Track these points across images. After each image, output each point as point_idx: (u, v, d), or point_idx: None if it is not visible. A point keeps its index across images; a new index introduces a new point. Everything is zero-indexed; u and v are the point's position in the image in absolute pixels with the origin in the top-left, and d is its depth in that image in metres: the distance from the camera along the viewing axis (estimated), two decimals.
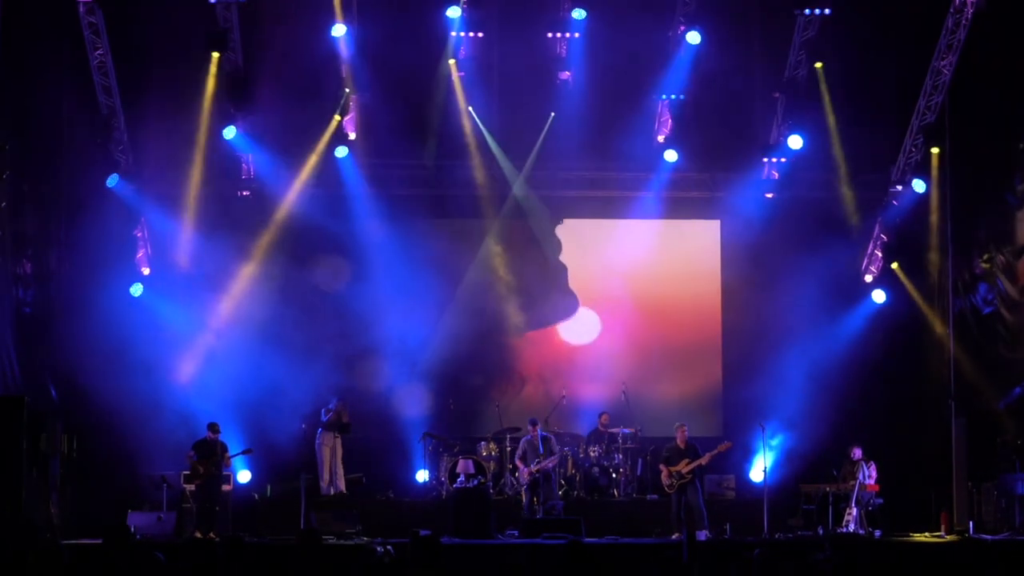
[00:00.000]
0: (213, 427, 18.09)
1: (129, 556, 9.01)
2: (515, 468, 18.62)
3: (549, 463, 18.15)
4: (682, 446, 18.09)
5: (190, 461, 17.91)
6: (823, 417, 19.72)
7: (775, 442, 19.11)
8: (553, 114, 20.29)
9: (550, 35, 20.08)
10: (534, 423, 18.50)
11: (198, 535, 17.28)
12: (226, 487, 18.32)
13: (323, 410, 19.19)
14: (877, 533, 17.51)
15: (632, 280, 21.12)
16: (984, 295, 19.64)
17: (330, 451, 19.06)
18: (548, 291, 21.14)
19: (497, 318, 20.97)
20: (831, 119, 19.99)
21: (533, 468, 18.04)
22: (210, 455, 17.86)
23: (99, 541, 10.44)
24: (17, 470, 16.13)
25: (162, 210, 19.97)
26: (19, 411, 16.35)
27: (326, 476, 18.99)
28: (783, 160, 20.47)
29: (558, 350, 21.10)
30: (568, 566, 8.39)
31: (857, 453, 18.33)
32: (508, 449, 19.30)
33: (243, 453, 18.33)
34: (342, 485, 19.09)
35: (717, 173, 21.01)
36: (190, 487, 18.10)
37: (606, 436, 19.38)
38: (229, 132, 19.68)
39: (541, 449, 18.18)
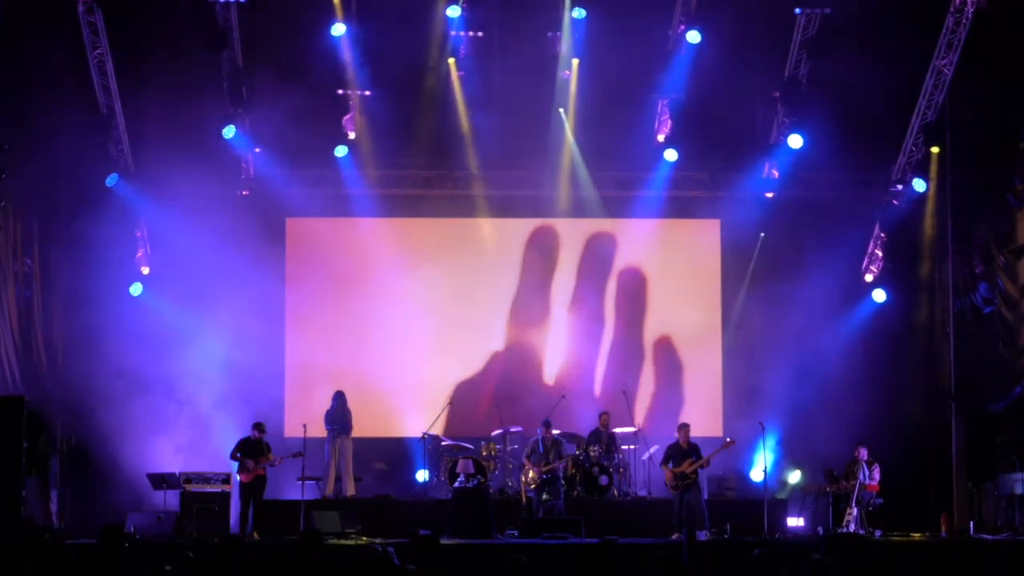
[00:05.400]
0: (259, 426, 18.18)
1: (125, 556, 9.00)
2: (523, 466, 18.63)
3: (559, 465, 18.19)
4: (685, 446, 18.10)
5: (236, 459, 17.97)
6: (823, 417, 19.72)
7: (774, 442, 19.08)
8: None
9: (550, 34, 20.09)
10: (547, 425, 18.49)
11: (256, 536, 17.33)
12: (227, 487, 18.32)
13: (327, 411, 19.20)
14: (877, 533, 17.50)
15: (632, 280, 21.11)
16: (984, 295, 19.63)
17: (336, 451, 19.05)
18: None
19: (497, 318, 20.97)
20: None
21: (544, 468, 18.05)
22: (257, 454, 17.93)
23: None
24: (17, 470, 16.12)
25: (162, 210, 19.97)
26: (19, 411, 16.34)
27: (331, 478, 18.97)
28: (783, 160, 20.46)
29: (558, 350, 21.08)
30: (601, 565, 8.36)
31: (863, 454, 18.28)
32: (508, 449, 19.29)
33: (294, 456, 18.25)
34: (349, 488, 19.04)
35: (717, 173, 20.99)
36: (225, 488, 18.10)
37: (606, 436, 19.36)
38: (229, 132, 19.67)
39: (542, 449, 18.21)
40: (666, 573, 8.45)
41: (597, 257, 21.19)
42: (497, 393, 20.45)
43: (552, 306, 21.09)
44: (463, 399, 20.58)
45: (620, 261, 21.14)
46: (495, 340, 20.99)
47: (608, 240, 21.25)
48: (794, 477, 19.55)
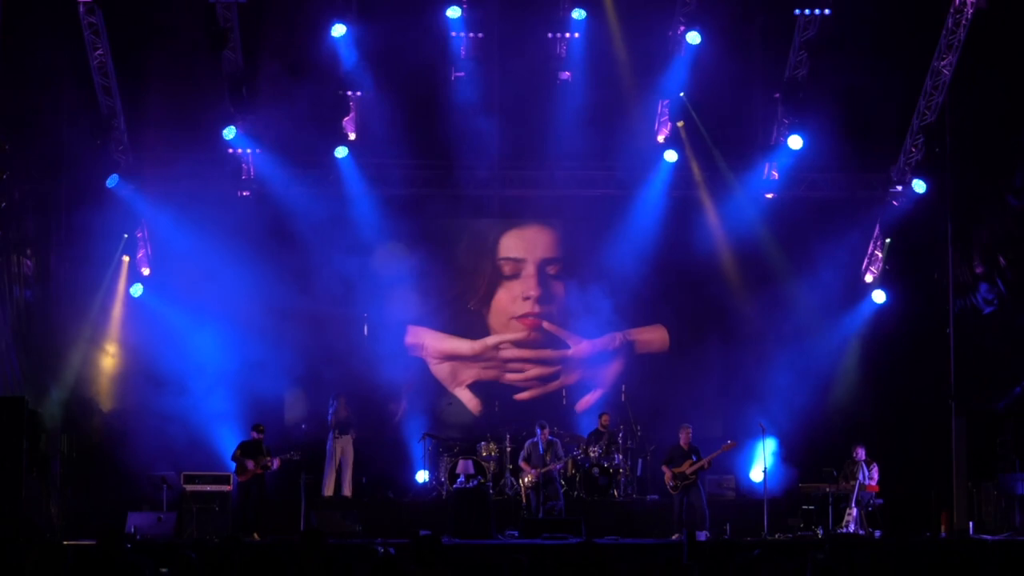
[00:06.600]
0: (258, 428, 18.23)
1: (125, 556, 9.00)
2: (518, 469, 18.61)
3: (556, 466, 18.20)
4: (685, 447, 18.11)
5: (236, 460, 18.01)
6: (823, 417, 19.73)
7: (774, 442, 19.06)
8: None
9: (550, 35, 20.10)
10: (543, 426, 18.49)
11: (256, 536, 17.39)
12: (227, 487, 18.33)
13: (329, 412, 19.21)
14: (877, 533, 17.51)
15: (630, 281, 21.09)
16: (984, 295, 19.63)
17: (339, 452, 19.05)
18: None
19: (496, 317, 20.98)
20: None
21: (541, 470, 18.04)
22: (256, 455, 17.98)
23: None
24: (17, 470, 16.12)
25: (162, 210, 19.97)
26: (19, 411, 16.34)
27: (331, 478, 18.97)
28: (783, 160, 20.46)
29: (558, 350, 21.08)
30: (581, 567, 8.36)
31: (860, 453, 18.30)
32: (508, 449, 19.30)
33: (288, 458, 18.29)
34: (348, 489, 19.06)
35: (717, 173, 20.98)
36: (225, 488, 18.11)
37: (606, 436, 19.37)
38: (229, 132, 19.67)
39: (542, 450, 18.21)
40: (666, 573, 8.45)
41: (596, 255, 21.17)
42: (497, 393, 20.45)
43: (549, 303, 21.08)
44: (463, 398, 20.60)
45: (620, 261, 21.11)
46: (495, 339, 20.98)
47: (608, 240, 21.22)
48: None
